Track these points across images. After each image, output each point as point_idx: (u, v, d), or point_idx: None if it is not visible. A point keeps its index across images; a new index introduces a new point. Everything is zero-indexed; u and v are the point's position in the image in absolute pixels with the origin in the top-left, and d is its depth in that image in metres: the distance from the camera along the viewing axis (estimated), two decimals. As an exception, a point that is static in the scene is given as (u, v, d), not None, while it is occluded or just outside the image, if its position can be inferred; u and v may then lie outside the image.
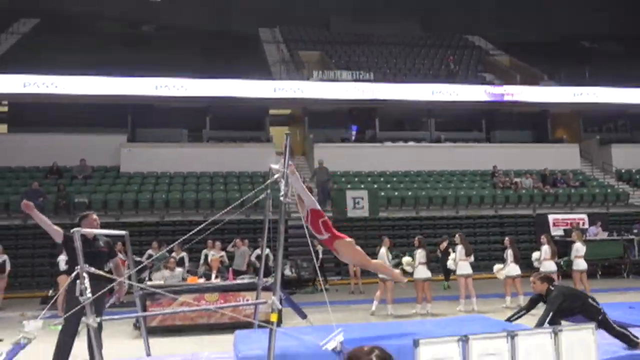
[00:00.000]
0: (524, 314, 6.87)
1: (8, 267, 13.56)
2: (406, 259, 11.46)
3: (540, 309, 6.68)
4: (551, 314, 6.16)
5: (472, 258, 11.63)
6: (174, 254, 13.17)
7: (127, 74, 21.43)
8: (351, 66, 26.17)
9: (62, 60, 22.40)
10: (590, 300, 6.56)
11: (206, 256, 13.76)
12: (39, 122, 21.19)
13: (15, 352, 5.19)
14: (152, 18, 31.28)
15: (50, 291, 12.75)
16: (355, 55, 29.20)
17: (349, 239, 5.69)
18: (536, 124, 26.32)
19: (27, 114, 21.49)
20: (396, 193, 20.04)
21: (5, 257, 13.60)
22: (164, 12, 31.46)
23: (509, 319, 6.80)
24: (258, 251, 14.02)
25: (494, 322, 6.58)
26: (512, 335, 5.03)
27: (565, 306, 6.33)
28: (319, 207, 5.67)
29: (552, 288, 6.56)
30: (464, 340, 4.86)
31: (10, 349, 5.23)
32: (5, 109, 22.90)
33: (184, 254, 13.66)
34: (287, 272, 14.71)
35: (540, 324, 6.03)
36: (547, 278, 6.83)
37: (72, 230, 5.35)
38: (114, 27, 29.16)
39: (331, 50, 29.43)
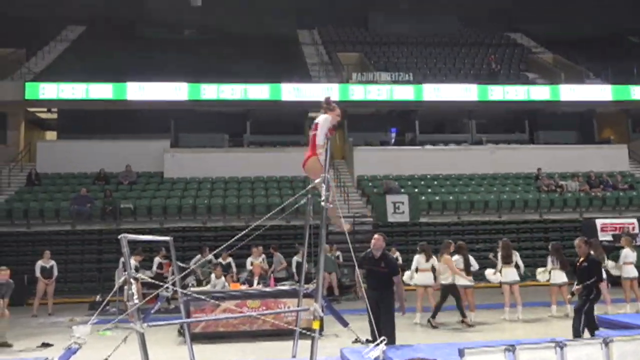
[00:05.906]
0: None
1: (55, 273, 13.61)
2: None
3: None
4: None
5: (518, 265, 11.36)
6: (220, 260, 13.29)
7: (167, 79, 21.95)
8: (390, 67, 26.02)
9: (106, 66, 23.06)
10: None
11: (251, 263, 13.75)
12: (86, 129, 21.89)
13: (66, 357, 5.33)
14: (193, 22, 31.66)
15: (98, 297, 12.98)
16: (394, 56, 28.99)
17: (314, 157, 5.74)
18: (582, 124, 25.59)
19: (75, 121, 22.22)
20: (437, 197, 19.78)
21: (52, 262, 13.63)
22: (204, 15, 31.80)
23: None
24: (296, 257, 13.96)
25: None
26: (561, 346, 4.92)
27: None
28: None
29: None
30: (511, 349, 4.78)
31: (61, 354, 5.38)
32: (55, 116, 23.74)
33: (230, 259, 13.56)
34: (328, 278, 14.65)
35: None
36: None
37: (119, 236, 5.28)
38: (156, 33, 29.65)
39: (370, 52, 29.30)
